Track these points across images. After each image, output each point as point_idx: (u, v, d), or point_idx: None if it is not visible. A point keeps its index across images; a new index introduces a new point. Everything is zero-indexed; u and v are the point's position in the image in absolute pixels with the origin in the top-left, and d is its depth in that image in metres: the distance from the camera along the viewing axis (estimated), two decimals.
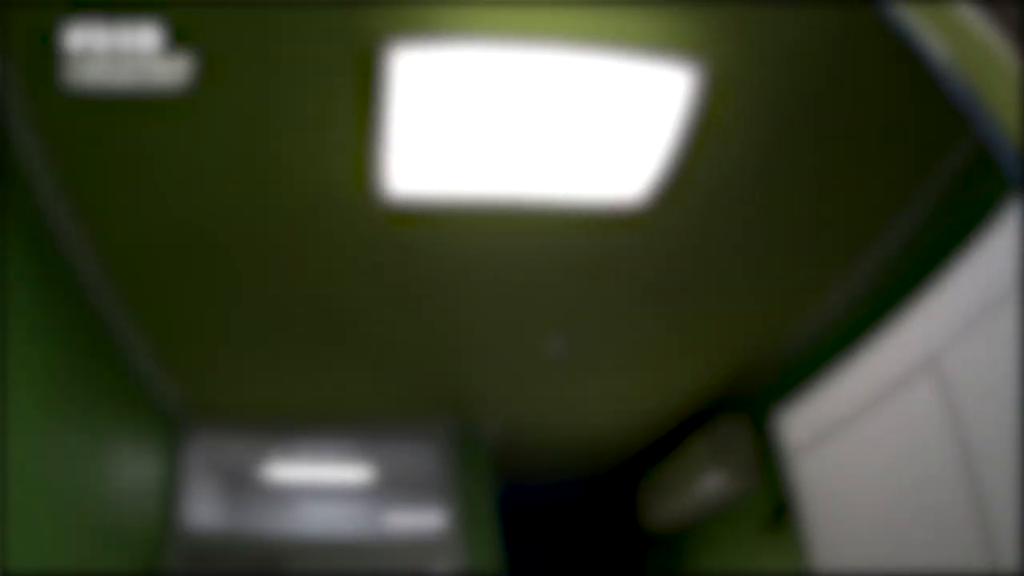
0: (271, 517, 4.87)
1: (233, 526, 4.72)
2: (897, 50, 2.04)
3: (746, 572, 4.45)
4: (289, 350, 3.49)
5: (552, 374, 3.81)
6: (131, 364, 3.28)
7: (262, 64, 2.03)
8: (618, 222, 2.65)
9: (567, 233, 2.72)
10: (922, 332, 2.07)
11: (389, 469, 4.77)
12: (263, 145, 2.27)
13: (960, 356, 1.91)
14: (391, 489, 5.00)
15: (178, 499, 3.87)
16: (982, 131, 1.58)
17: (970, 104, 1.53)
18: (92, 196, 2.40)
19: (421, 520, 4.71)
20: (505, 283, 3.03)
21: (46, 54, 1.91)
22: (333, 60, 2.03)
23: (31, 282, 2.26)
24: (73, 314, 2.65)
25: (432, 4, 1.95)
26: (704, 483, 4.37)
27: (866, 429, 2.27)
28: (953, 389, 1.93)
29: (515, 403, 4.21)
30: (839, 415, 2.40)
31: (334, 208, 2.53)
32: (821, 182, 2.63)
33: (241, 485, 4.83)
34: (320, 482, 4.87)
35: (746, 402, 4.31)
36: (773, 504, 3.98)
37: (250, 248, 2.74)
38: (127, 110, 2.09)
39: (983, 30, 1.49)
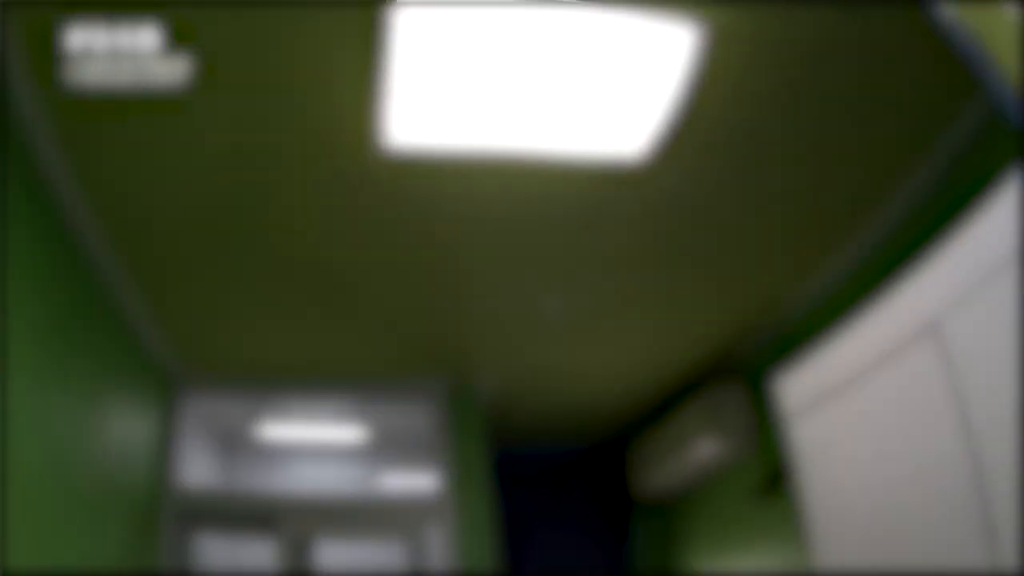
0: (265, 476, 4.89)
1: (227, 485, 4.74)
2: (903, 12, 2.01)
3: (739, 538, 4.47)
4: (285, 309, 3.48)
5: (549, 334, 3.80)
6: (127, 323, 3.26)
7: (267, 15, 1.99)
8: (617, 179, 2.62)
9: (566, 189, 2.69)
10: (923, 297, 2.05)
11: (383, 429, 4.78)
12: (263, 97, 2.22)
13: (961, 322, 1.90)
14: (385, 449, 5.01)
15: (172, 457, 3.88)
16: (984, 79, 1.55)
17: (975, 56, 1.50)
18: (89, 152, 2.37)
19: (415, 481, 4.73)
20: (503, 240, 3.01)
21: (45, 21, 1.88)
22: (336, 12, 1.99)
23: (28, 238, 2.23)
24: (70, 271, 2.63)
25: None
26: (698, 448, 4.37)
27: (865, 394, 2.26)
28: (953, 355, 1.91)
29: (510, 364, 4.21)
30: (838, 379, 2.38)
31: (334, 161, 2.49)
32: (825, 146, 2.61)
33: (235, 444, 4.84)
34: (314, 442, 4.88)
35: (743, 367, 4.31)
36: (768, 471, 3.99)
37: (248, 203, 2.71)
38: None
39: None
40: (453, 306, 3.53)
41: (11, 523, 1.95)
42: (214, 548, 4.15)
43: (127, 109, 2.15)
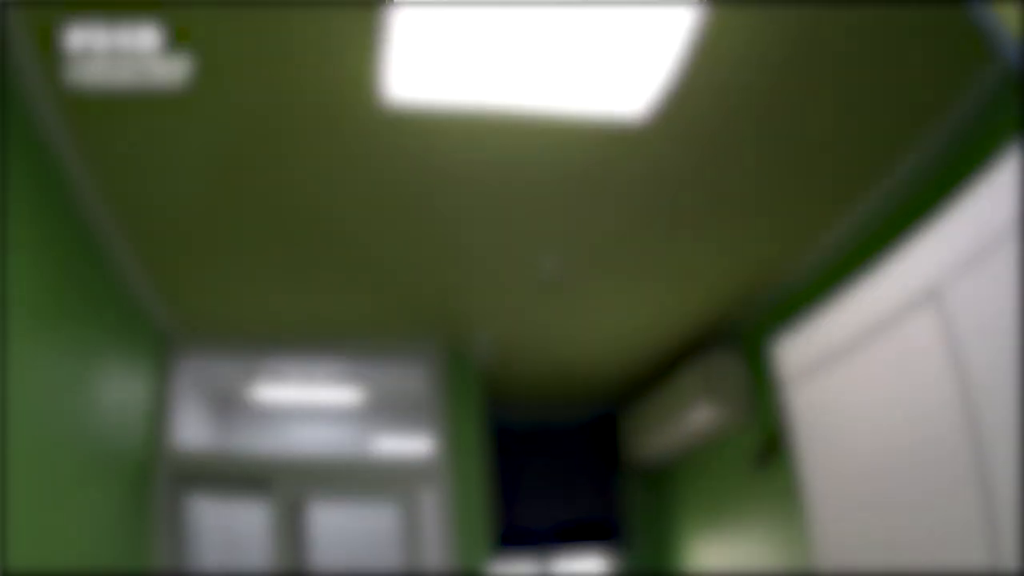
0: (259, 438, 4.90)
1: (221, 446, 4.75)
2: None
3: (733, 506, 4.49)
4: (281, 270, 3.45)
5: (546, 296, 3.77)
6: (122, 285, 3.24)
7: None
8: (618, 140, 2.59)
9: (566, 149, 2.65)
10: (924, 264, 2.03)
11: (378, 391, 4.78)
12: (263, 51, 2.17)
13: (961, 289, 1.88)
14: (380, 411, 5.02)
15: (167, 419, 3.87)
16: (993, 39, 1.52)
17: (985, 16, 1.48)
18: (88, 113, 2.33)
19: (409, 443, 4.74)
20: (501, 199, 2.97)
21: None
22: None
23: (25, 200, 2.20)
24: (65, 231, 2.60)
25: None
26: (694, 414, 4.37)
27: (864, 360, 2.25)
28: (953, 322, 1.90)
29: (506, 326, 4.19)
30: (837, 345, 2.37)
31: (332, 117, 2.44)
32: (828, 112, 2.58)
33: (230, 406, 4.85)
34: (309, 403, 4.89)
35: (741, 333, 4.29)
36: (764, 439, 4.00)
37: (244, 162, 2.66)
38: None
39: None
40: (450, 266, 3.51)
41: (9, 483, 1.94)
42: (208, 509, 4.17)
43: None
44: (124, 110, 2.32)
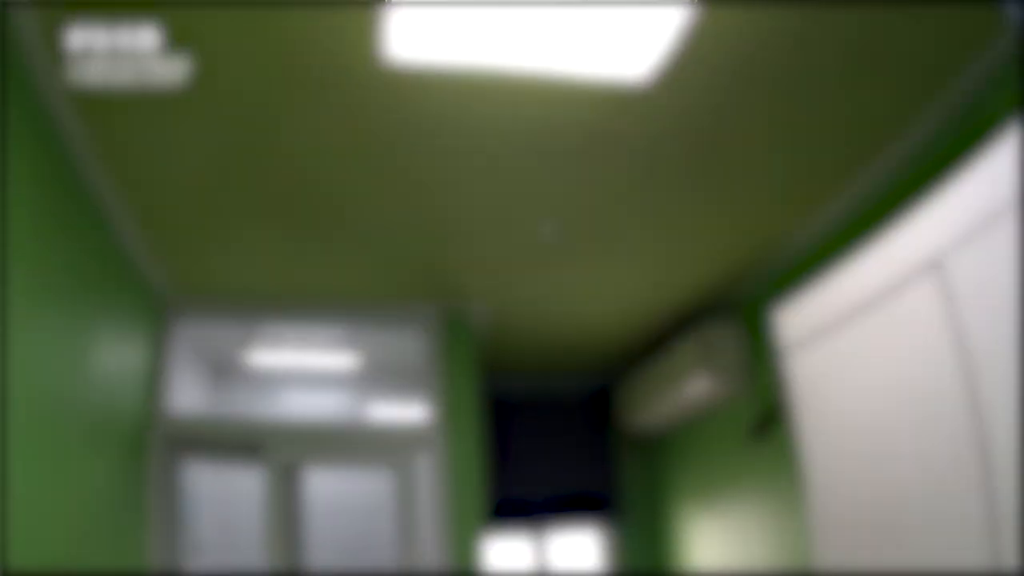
0: (254, 403, 4.90)
1: (216, 412, 4.75)
2: None
3: (729, 478, 4.50)
4: (277, 233, 3.43)
5: (544, 260, 3.75)
6: (118, 248, 3.21)
7: None
8: (620, 104, 2.56)
9: (567, 112, 2.61)
10: (925, 235, 2.02)
11: (374, 357, 4.77)
12: (258, 14, 2.12)
13: (962, 260, 1.88)
14: (376, 377, 5.02)
15: (162, 384, 3.86)
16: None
17: None
18: None
19: (405, 409, 4.74)
20: (501, 163, 2.93)
21: None
22: None
23: (23, 163, 2.17)
24: (62, 194, 2.57)
25: None
26: (691, 386, 4.36)
27: (864, 330, 2.24)
28: (954, 292, 1.90)
29: (505, 292, 4.17)
30: (837, 314, 2.36)
31: (330, 77, 2.40)
32: (832, 82, 2.56)
33: (225, 371, 4.84)
34: (304, 369, 4.88)
35: (739, 303, 4.28)
36: (762, 411, 3.99)
37: (242, 125, 2.62)
38: None
39: None
40: (449, 230, 3.47)
41: (6, 448, 1.95)
42: (202, 474, 4.18)
43: None
44: None
